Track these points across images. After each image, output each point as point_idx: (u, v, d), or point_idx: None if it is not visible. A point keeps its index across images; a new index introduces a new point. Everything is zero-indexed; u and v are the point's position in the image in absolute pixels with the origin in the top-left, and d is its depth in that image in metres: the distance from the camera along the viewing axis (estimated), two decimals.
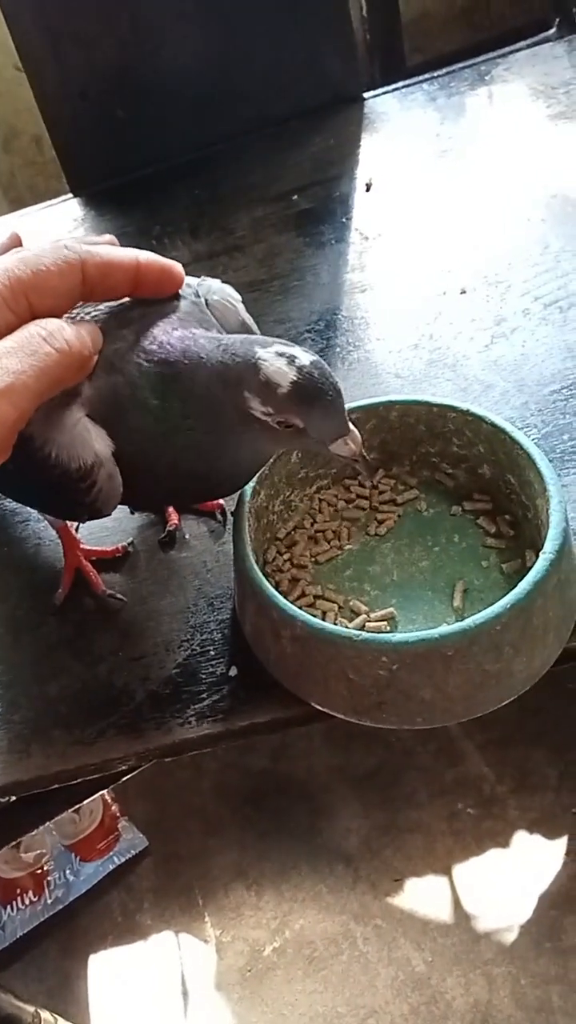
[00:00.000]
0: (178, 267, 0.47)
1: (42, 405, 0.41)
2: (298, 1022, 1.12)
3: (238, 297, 0.52)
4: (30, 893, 1.28)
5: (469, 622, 0.42)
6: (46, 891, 1.28)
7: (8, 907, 1.27)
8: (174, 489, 0.50)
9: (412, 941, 1.15)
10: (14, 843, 1.18)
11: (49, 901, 1.28)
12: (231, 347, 0.44)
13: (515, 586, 0.43)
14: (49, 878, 1.30)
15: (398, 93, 0.95)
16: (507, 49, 0.95)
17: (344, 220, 0.81)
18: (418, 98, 0.93)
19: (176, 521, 0.60)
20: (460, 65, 0.95)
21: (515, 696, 0.45)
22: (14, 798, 0.52)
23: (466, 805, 1.24)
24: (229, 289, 0.52)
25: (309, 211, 0.84)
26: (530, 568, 0.44)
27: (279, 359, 0.43)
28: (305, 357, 0.43)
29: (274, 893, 1.23)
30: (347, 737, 1.33)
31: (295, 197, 0.86)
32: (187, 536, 0.60)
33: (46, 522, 0.62)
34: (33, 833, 1.23)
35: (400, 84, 0.96)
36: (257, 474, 0.50)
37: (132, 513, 0.60)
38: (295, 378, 0.43)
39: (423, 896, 1.19)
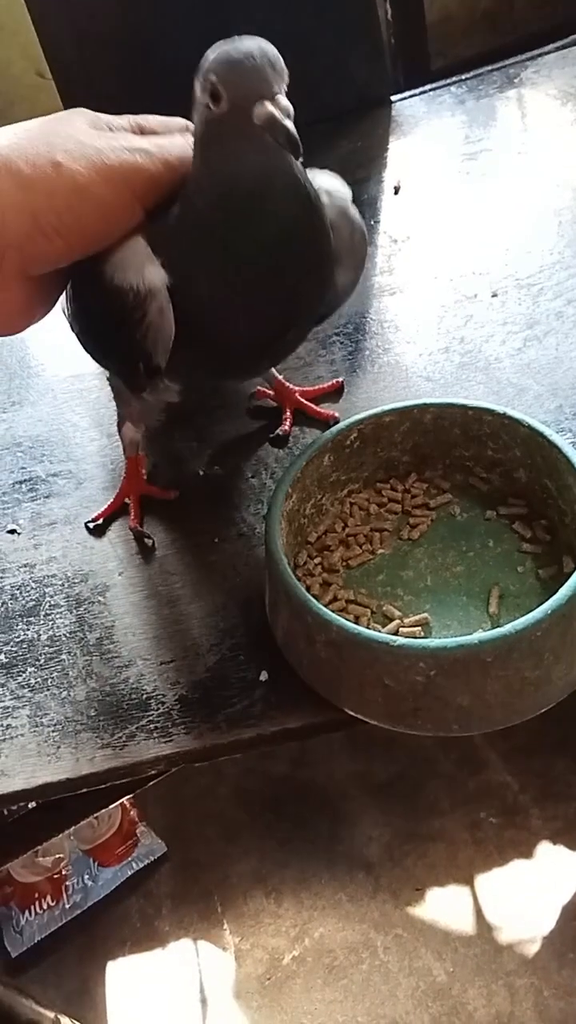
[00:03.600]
0: None
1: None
2: None
3: (347, 192, 0.54)
4: (48, 898, 1.27)
5: (509, 628, 0.41)
6: (64, 896, 1.28)
7: (26, 912, 1.26)
8: (230, 317, 0.49)
9: (433, 951, 1.14)
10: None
11: (67, 906, 1.27)
12: None
13: (552, 592, 0.43)
14: (67, 883, 1.29)
15: (426, 96, 0.94)
16: (535, 52, 0.94)
17: (372, 223, 0.81)
18: (446, 101, 0.93)
19: (288, 427, 0.64)
20: (488, 68, 0.94)
21: (553, 704, 0.44)
22: (33, 804, 0.52)
23: (489, 814, 1.23)
24: (338, 182, 0.54)
25: None
26: (568, 574, 0.43)
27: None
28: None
29: (294, 901, 1.22)
30: (368, 744, 1.32)
31: None
32: (215, 540, 0.59)
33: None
34: None
35: (427, 87, 0.95)
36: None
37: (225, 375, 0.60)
38: (223, 46, 0.44)
39: (445, 906, 1.17)
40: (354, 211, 0.53)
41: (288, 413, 0.65)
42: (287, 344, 0.55)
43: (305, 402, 0.65)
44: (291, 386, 0.65)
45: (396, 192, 0.84)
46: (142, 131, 0.52)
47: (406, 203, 0.82)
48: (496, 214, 0.78)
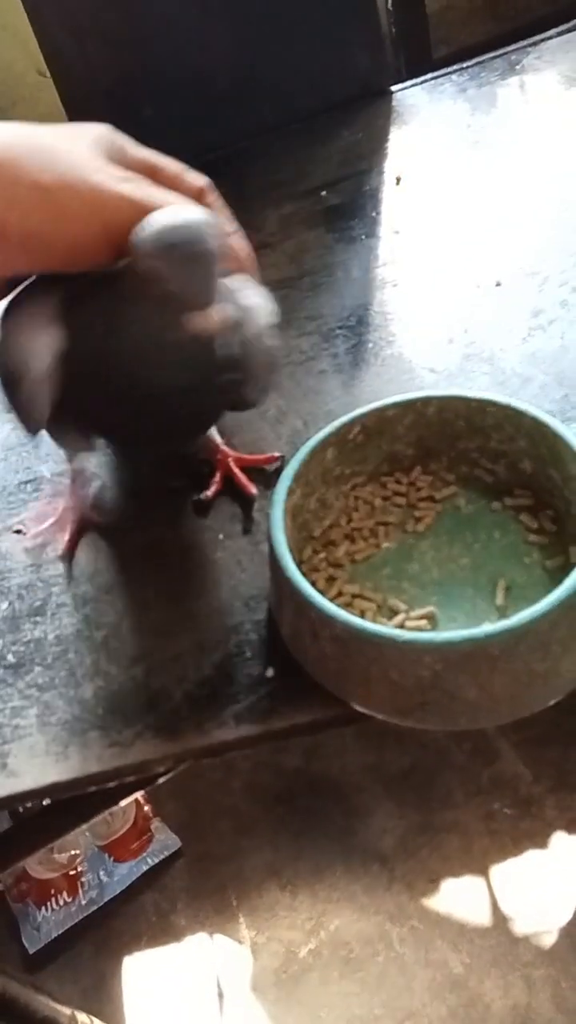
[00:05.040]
0: None
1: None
2: None
3: (269, 307, 0.52)
4: (64, 894, 1.28)
5: (516, 620, 0.40)
6: (80, 892, 1.29)
7: (43, 908, 1.27)
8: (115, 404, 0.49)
9: (449, 943, 1.14)
10: None
11: (83, 902, 1.28)
12: None
13: (559, 583, 0.42)
14: (83, 879, 1.30)
15: (427, 85, 0.94)
16: (538, 37, 0.93)
17: (374, 215, 0.80)
18: (447, 89, 0.92)
19: (211, 493, 0.60)
20: (490, 55, 0.94)
21: (562, 696, 0.44)
22: (47, 801, 0.52)
23: (503, 805, 1.23)
24: (262, 299, 0.52)
25: (338, 207, 0.83)
26: (575, 564, 0.43)
27: (169, 211, 0.44)
28: (197, 214, 0.44)
29: (309, 893, 1.22)
30: (381, 736, 1.32)
31: (324, 193, 0.85)
32: (220, 536, 0.59)
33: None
34: None
35: (429, 76, 0.95)
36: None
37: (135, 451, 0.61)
38: (168, 221, 0.43)
39: (460, 897, 1.17)
40: (270, 330, 0.52)
41: (218, 478, 0.61)
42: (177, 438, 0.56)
43: (236, 470, 0.61)
44: (227, 450, 0.62)
45: (398, 183, 0.83)
46: (155, 175, 0.50)
47: (408, 193, 0.82)
48: (499, 202, 0.77)
